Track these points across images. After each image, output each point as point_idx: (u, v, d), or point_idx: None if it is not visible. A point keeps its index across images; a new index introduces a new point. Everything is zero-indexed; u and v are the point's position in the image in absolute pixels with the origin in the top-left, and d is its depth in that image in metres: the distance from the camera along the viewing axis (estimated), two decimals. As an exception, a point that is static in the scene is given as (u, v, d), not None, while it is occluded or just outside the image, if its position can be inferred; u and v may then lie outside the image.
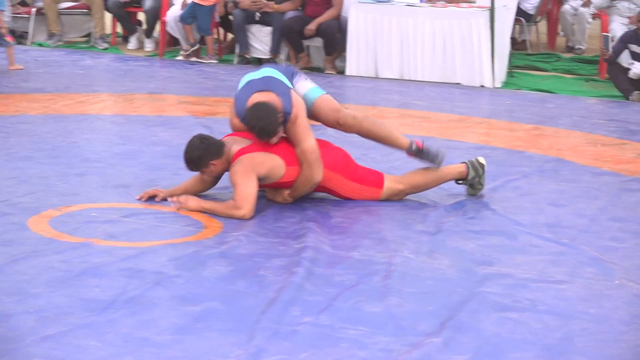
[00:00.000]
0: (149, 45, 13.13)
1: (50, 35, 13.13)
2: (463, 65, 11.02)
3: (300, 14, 11.67)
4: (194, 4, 11.88)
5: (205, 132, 6.57)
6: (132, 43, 13.27)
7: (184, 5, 12.10)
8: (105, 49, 13.00)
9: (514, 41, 12.32)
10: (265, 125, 5.96)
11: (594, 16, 12.95)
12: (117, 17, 13.30)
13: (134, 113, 9.02)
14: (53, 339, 4.16)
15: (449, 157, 7.53)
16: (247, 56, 12.20)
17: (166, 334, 4.26)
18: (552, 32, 13.93)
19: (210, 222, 5.80)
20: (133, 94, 9.98)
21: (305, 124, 6.12)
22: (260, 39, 12.08)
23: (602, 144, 8.22)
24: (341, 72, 11.58)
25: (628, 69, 10.60)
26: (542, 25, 13.89)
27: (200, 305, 4.59)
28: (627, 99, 10.46)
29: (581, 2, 13.19)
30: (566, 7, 13.38)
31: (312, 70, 11.77)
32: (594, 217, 6.22)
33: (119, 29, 13.52)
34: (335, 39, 11.53)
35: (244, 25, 11.99)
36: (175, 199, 6.05)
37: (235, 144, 6.08)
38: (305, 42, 11.81)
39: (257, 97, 6.07)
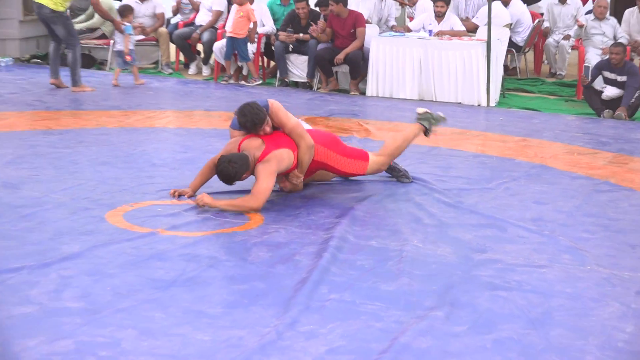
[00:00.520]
0: (205, 71, 13.14)
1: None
2: (464, 87, 10.97)
3: (331, 46, 11.66)
4: (230, 38, 11.82)
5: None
6: (192, 69, 13.27)
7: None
8: (170, 73, 13.03)
9: (506, 68, 12.23)
10: (254, 117, 6.02)
11: (573, 48, 12.88)
12: (180, 48, 13.34)
13: (193, 126, 9.04)
14: (125, 311, 4.20)
15: (452, 163, 7.54)
16: (286, 80, 12.21)
17: (218, 308, 4.29)
18: (538, 61, 13.84)
19: (253, 216, 5.80)
20: (192, 110, 10.00)
21: (283, 109, 6.19)
22: (298, 65, 12.07)
23: (579, 153, 8.17)
24: (363, 93, 11.56)
25: (601, 92, 10.55)
26: (530, 55, 13.81)
27: (246, 284, 4.61)
28: (599, 116, 10.40)
29: (562, 36, 13.14)
30: (550, 40, 13.32)
31: (340, 91, 11.75)
32: (571, 213, 6.19)
33: (182, 57, 13.55)
34: (359, 66, 11.51)
35: (283, 54, 11.98)
36: (193, 201, 5.99)
37: (253, 151, 6.00)
38: (335, 69, 11.80)
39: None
